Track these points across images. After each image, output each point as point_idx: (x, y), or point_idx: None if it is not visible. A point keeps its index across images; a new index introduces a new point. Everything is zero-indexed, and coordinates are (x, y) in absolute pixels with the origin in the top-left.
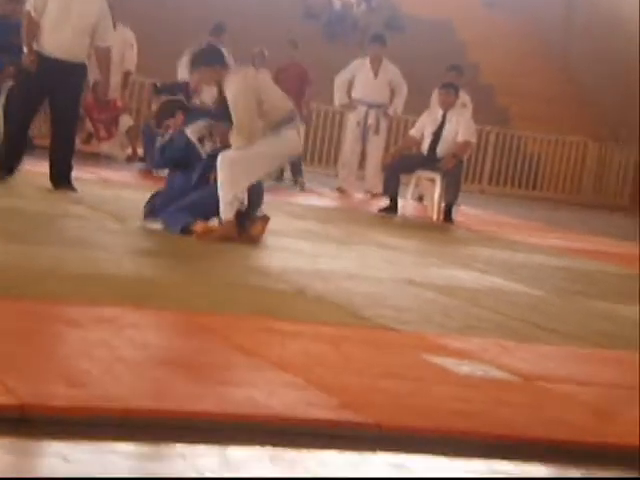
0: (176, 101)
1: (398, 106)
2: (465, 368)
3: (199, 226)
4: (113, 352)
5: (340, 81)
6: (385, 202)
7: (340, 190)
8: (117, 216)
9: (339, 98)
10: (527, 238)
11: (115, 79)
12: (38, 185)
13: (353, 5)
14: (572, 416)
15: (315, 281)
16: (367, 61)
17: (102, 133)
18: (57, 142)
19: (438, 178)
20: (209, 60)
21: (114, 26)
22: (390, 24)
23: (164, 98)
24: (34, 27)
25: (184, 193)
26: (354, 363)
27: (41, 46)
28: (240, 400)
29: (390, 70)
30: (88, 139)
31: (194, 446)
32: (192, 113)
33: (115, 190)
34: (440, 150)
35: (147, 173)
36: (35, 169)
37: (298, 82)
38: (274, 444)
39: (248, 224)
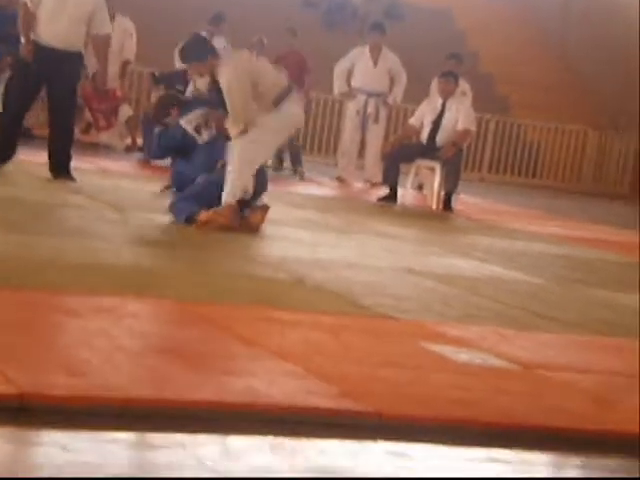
0: (172, 96)
1: (398, 95)
2: (464, 356)
3: (203, 215)
4: (113, 341)
5: (340, 70)
6: (384, 191)
7: (339, 179)
8: (116, 206)
9: (339, 87)
10: (527, 226)
11: (114, 69)
12: (37, 175)
13: None
14: (572, 404)
15: (314, 270)
16: (367, 50)
17: (101, 123)
18: (55, 132)
19: (438, 167)
20: (199, 55)
21: (113, 16)
22: (389, 12)
23: (162, 89)
24: (30, 18)
25: (187, 182)
26: (354, 352)
27: (38, 36)
28: (240, 389)
29: (390, 59)
30: (87, 129)
31: (194, 435)
32: (187, 105)
33: (114, 180)
34: (440, 139)
35: (146, 163)
36: (34, 159)
37: (297, 70)
38: (274, 433)
39: (248, 213)
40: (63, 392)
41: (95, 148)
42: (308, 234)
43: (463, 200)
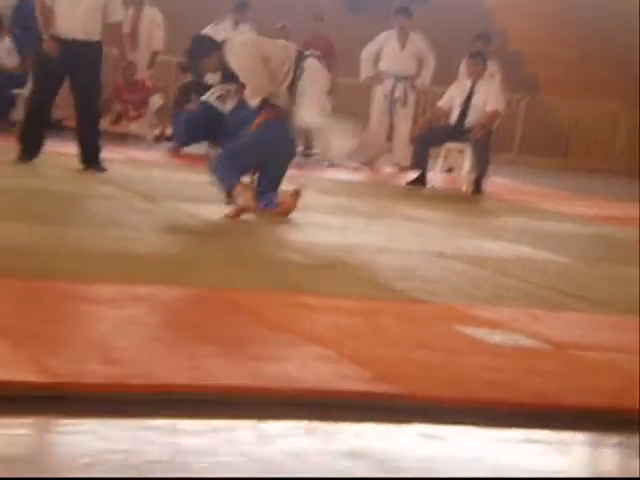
0: (193, 82)
1: (426, 78)
2: (496, 337)
3: (231, 211)
4: (146, 329)
5: (367, 53)
6: (413, 175)
7: (368, 164)
8: (146, 195)
9: (366, 70)
10: (555, 206)
11: (143, 59)
12: (67, 166)
13: None
14: (605, 383)
15: (345, 255)
16: (394, 33)
17: (131, 113)
18: (82, 123)
19: (468, 149)
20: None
21: (141, 7)
22: None
23: (189, 77)
24: (48, 12)
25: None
26: (386, 335)
27: (57, 30)
28: (274, 374)
29: (417, 42)
30: (117, 119)
31: (229, 421)
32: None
33: (144, 170)
34: (469, 121)
35: (175, 152)
36: (64, 150)
37: (325, 55)
38: (309, 417)
39: (279, 199)
40: (99, 380)
41: (124, 138)
42: (338, 219)
43: (493, 181)
